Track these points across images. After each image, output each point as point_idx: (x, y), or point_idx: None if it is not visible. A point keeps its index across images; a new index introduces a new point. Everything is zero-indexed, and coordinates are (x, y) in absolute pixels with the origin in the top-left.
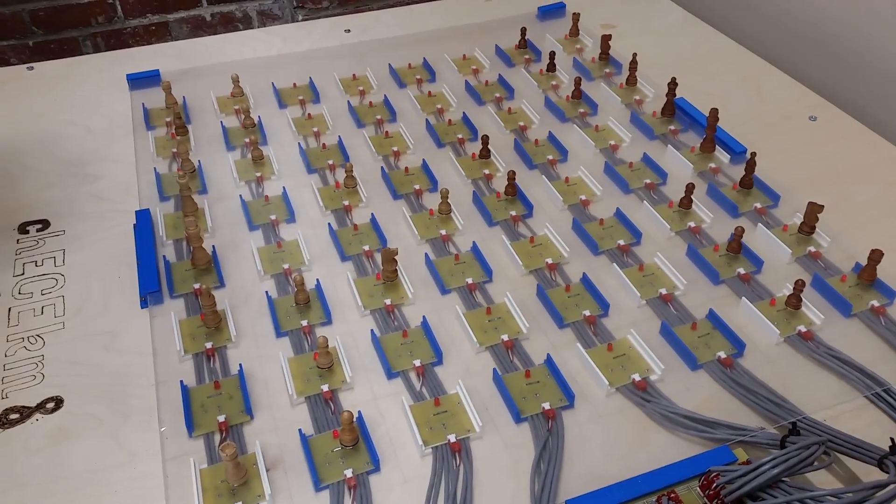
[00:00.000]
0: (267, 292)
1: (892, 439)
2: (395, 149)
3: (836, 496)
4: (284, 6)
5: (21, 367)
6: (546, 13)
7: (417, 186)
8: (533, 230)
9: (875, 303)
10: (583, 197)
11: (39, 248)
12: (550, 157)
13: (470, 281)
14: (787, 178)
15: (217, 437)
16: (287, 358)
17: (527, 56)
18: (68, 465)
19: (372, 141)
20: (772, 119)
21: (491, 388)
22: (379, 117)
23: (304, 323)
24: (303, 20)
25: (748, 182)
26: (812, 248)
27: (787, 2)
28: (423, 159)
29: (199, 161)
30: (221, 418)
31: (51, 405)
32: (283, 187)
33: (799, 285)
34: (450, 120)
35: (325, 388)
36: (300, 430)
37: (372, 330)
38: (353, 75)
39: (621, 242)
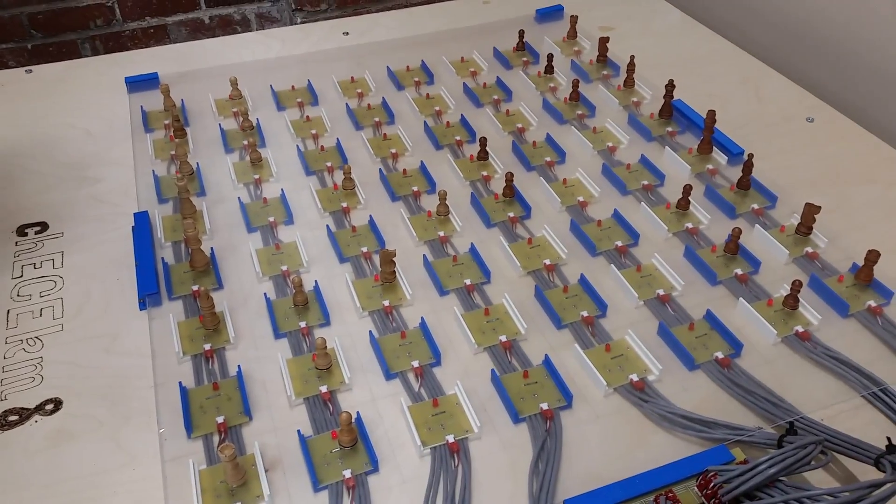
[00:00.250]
0: (265, 294)
1: (888, 439)
2: (394, 151)
3: (833, 495)
4: (283, 9)
5: (20, 369)
6: (544, 15)
7: (416, 188)
8: (531, 231)
9: (872, 303)
10: (581, 198)
11: (38, 251)
12: (548, 159)
13: (468, 282)
14: (784, 179)
15: (216, 439)
16: (285, 359)
17: (525, 58)
18: (67, 466)
19: (370, 143)
20: (770, 121)
21: (489, 388)
22: (377, 119)
23: (303, 324)
24: (301, 23)
25: (745, 183)
26: (809, 249)
27: (785, 4)
28: (422, 161)
29: (197, 163)
30: (220, 419)
31: (50, 407)
32: (282, 189)
33: (796, 286)
34: (448, 122)
35: (324, 389)
36: (299, 430)
37: (370, 331)
38: (352, 78)
39: (619, 243)
